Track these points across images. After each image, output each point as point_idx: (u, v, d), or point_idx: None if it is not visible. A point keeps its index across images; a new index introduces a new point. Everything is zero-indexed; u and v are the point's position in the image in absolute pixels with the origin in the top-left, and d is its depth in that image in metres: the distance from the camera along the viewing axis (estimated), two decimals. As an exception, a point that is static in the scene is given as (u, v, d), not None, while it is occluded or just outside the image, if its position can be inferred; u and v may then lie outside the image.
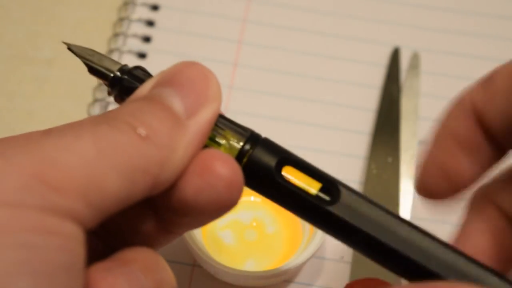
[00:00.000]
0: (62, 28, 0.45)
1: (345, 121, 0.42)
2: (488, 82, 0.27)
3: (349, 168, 0.40)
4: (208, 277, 0.37)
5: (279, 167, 0.28)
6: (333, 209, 0.28)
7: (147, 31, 0.44)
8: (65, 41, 0.33)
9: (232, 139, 0.29)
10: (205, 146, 0.28)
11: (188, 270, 0.37)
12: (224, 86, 0.42)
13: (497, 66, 0.27)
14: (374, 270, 0.36)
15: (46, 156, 0.24)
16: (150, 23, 0.44)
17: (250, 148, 0.28)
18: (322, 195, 0.28)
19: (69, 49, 0.32)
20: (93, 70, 0.31)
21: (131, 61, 0.43)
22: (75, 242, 0.24)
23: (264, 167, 0.28)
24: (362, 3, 0.46)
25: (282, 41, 0.44)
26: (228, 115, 0.41)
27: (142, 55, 0.43)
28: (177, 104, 0.27)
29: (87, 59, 0.31)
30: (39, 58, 0.44)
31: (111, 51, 0.43)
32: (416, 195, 0.38)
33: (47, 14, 0.46)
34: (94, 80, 0.43)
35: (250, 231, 0.37)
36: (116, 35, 0.44)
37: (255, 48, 0.44)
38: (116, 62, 0.30)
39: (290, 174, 0.28)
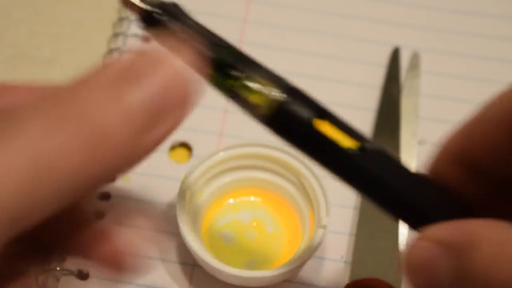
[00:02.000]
0: (62, 28, 0.45)
1: (345, 121, 0.42)
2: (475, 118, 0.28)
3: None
4: (208, 277, 0.37)
5: (314, 119, 0.29)
6: (363, 162, 0.29)
7: (147, 31, 0.44)
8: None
9: (267, 87, 0.29)
10: (240, 95, 0.29)
11: (188, 270, 0.37)
12: (224, 86, 0.43)
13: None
14: (374, 270, 0.36)
15: None
16: (150, 23, 0.44)
17: (287, 97, 0.29)
18: (353, 150, 0.29)
19: None
20: (126, 2, 0.30)
21: (131, 61, 0.43)
22: None
23: (300, 118, 0.29)
24: (362, 3, 0.46)
25: (282, 41, 0.44)
26: (228, 115, 0.42)
27: (142, 55, 0.43)
28: (136, 107, 0.24)
29: None
30: (39, 58, 0.44)
31: (111, 51, 0.43)
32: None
33: (47, 14, 0.46)
34: (94, 80, 0.43)
35: (250, 231, 0.37)
36: (116, 35, 0.44)
37: (255, 48, 0.44)
38: None
39: (325, 127, 0.29)
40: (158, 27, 0.29)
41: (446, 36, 0.45)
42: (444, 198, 0.29)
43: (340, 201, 0.39)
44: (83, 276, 0.37)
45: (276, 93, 0.29)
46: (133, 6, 0.30)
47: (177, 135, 0.41)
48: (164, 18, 0.29)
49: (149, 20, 0.30)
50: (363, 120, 0.42)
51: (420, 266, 0.25)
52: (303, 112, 0.29)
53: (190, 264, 0.37)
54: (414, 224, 0.29)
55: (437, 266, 0.25)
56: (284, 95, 0.29)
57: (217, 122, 0.41)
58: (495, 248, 0.24)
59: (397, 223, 0.37)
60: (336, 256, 0.37)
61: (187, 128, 0.41)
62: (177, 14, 0.30)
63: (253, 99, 0.29)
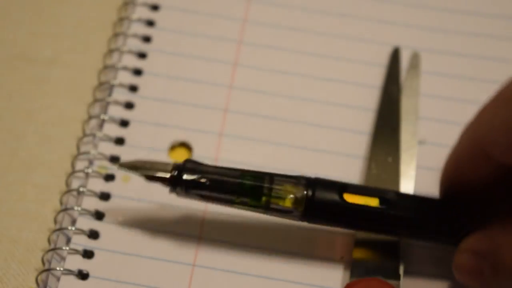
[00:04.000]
0: (62, 28, 0.45)
1: (345, 121, 0.42)
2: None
3: (349, 168, 0.40)
4: (208, 277, 0.37)
5: (342, 195, 0.35)
6: (393, 212, 0.35)
7: (147, 31, 0.44)
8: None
9: (293, 189, 0.34)
10: (271, 203, 0.34)
11: (188, 270, 0.37)
12: (224, 86, 0.43)
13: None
14: (374, 270, 0.36)
15: None
16: (150, 23, 0.44)
17: (312, 191, 0.34)
18: (381, 205, 0.35)
19: (121, 166, 0.36)
20: (150, 178, 0.35)
21: (131, 61, 0.43)
22: None
23: (331, 200, 0.35)
24: (362, 3, 0.46)
25: (282, 41, 0.44)
26: (228, 115, 0.42)
27: (142, 55, 0.43)
28: None
29: (142, 171, 0.35)
30: (39, 58, 0.44)
31: (111, 51, 0.43)
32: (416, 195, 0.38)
33: (47, 14, 0.46)
34: (94, 80, 0.43)
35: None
36: (116, 35, 0.44)
37: (255, 48, 0.44)
38: (167, 163, 0.35)
39: (350, 198, 0.35)
40: (184, 186, 0.35)
41: (446, 36, 0.45)
42: (463, 213, 0.34)
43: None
44: (83, 276, 0.37)
45: (302, 191, 0.34)
46: (157, 179, 0.35)
47: (177, 135, 0.41)
48: (187, 178, 0.35)
49: (174, 184, 0.35)
50: (363, 120, 0.42)
51: (465, 272, 0.33)
52: (331, 195, 0.34)
53: (190, 264, 0.37)
54: (449, 243, 0.35)
55: (478, 269, 0.32)
56: (310, 189, 0.34)
57: (217, 122, 0.41)
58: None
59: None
60: (336, 256, 0.37)
61: (187, 128, 0.41)
62: (195, 168, 0.35)
63: (287, 204, 0.34)
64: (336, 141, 0.41)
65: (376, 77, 0.43)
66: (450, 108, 0.42)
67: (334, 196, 0.34)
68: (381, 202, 0.35)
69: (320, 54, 0.44)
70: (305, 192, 0.34)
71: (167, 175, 0.35)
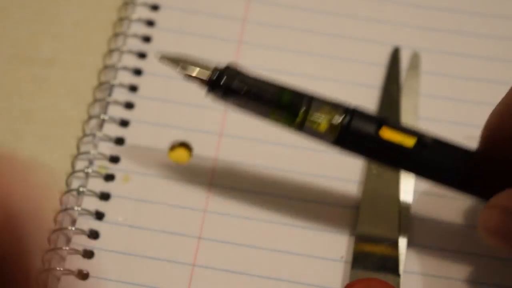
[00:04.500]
0: (62, 28, 0.45)
1: (345, 121, 0.42)
2: None
3: (349, 167, 0.40)
4: (208, 277, 0.37)
5: (378, 129, 0.34)
6: (428, 155, 0.34)
7: (147, 31, 0.44)
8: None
9: (330, 114, 0.34)
10: (306, 124, 0.34)
11: (188, 270, 0.37)
12: (224, 86, 0.42)
13: None
14: (374, 270, 0.36)
15: None
16: (150, 23, 0.44)
17: (349, 120, 0.34)
18: (416, 147, 0.34)
19: (162, 58, 0.35)
20: (189, 77, 0.35)
21: (131, 61, 0.43)
22: None
23: (366, 133, 0.34)
24: (362, 3, 0.46)
25: (282, 41, 0.44)
26: (228, 115, 0.42)
27: (142, 55, 0.43)
28: None
29: (182, 67, 0.35)
30: (39, 58, 0.44)
31: (111, 51, 0.43)
32: (416, 194, 0.38)
33: (47, 14, 0.46)
34: (94, 80, 0.43)
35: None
36: (116, 35, 0.44)
37: (255, 48, 0.44)
38: (208, 65, 0.35)
39: (386, 134, 0.34)
40: (221, 90, 0.35)
41: (446, 36, 0.45)
42: (499, 168, 0.33)
43: (340, 201, 0.39)
44: (83, 276, 0.37)
45: (339, 117, 0.34)
46: (195, 79, 0.35)
47: (177, 135, 0.41)
48: (225, 82, 0.34)
49: (212, 86, 0.35)
50: (363, 120, 0.42)
51: (492, 229, 0.31)
52: (367, 127, 0.34)
53: (190, 264, 0.37)
54: (480, 196, 0.34)
55: (506, 228, 0.31)
56: (347, 117, 0.34)
57: (217, 122, 0.41)
58: None
59: (397, 223, 0.37)
60: (336, 256, 0.38)
61: (187, 128, 0.41)
62: (235, 73, 0.35)
63: (321, 128, 0.34)
64: (336, 141, 0.41)
65: (376, 77, 0.43)
66: (450, 108, 0.42)
67: (370, 129, 0.34)
68: (417, 144, 0.34)
69: (320, 54, 0.44)
70: (340, 120, 0.34)
71: (206, 77, 0.35)
